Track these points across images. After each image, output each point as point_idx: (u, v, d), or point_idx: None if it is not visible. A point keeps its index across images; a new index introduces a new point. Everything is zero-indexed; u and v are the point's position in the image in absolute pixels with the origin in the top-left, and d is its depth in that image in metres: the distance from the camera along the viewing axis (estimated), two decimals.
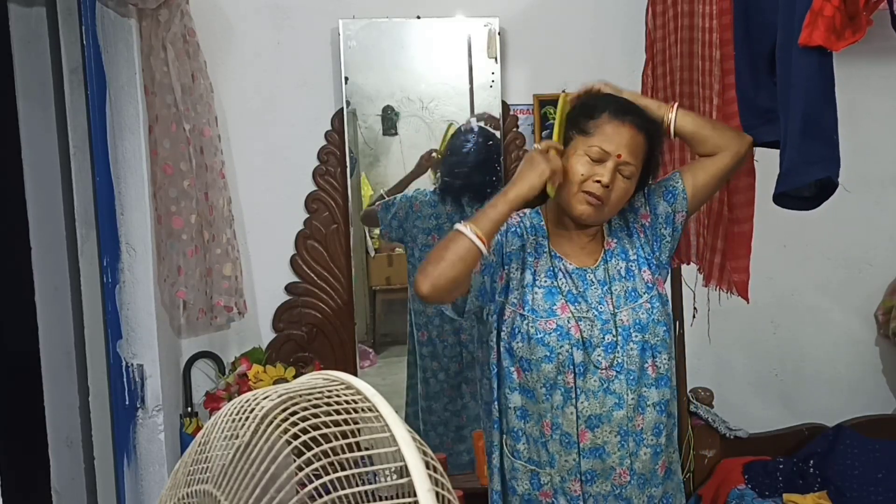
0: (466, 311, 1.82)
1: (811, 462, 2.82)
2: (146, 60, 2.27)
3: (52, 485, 2.37)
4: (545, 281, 1.79)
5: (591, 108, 1.77)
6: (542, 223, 1.85)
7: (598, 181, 1.71)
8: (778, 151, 1.81)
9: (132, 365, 2.31)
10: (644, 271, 1.83)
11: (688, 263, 2.37)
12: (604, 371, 1.75)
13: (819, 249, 3.06)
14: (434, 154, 2.86)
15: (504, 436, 1.84)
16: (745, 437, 2.88)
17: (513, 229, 1.83)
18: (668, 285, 1.95)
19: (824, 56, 1.49)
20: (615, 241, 1.86)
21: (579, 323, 1.76)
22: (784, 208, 1.69)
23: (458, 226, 1.67)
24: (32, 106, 2.29)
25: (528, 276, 1.80)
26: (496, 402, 1.83)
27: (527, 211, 1.87)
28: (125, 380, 2.30)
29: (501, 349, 1.80)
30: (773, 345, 3.09)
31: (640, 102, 1.83)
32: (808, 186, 1.62)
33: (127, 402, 2.30)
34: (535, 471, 1.80)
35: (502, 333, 1.79)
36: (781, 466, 2.81)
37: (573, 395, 1.75)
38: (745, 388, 3.05)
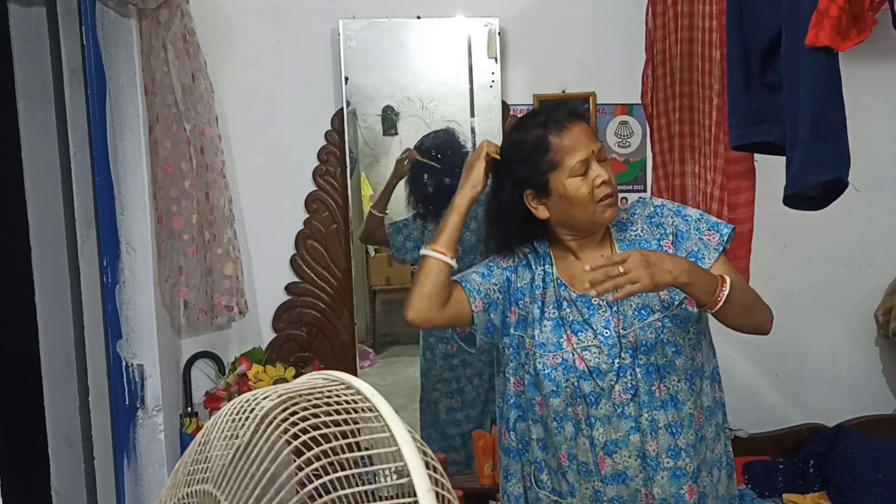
0: (478, 346, 1.86)
1: (811, 462, 2.82)
2: (146, 60, 2.27)
3: (52, 485, 2.37)
4: (553, 313, 1.77)
5: (533, 147, 1.73)
6: (548, 250, 1.83)
7: (602, 182, 1.71)
8: (773, 154, 1.81)
9: (132, 365, 2.31)
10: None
11: None
12: (617, 396, 1.72)
13: (819, 249, 3.06)
14: (409, 151, 2.82)
15: (527, 465, 1.84)
16: (745, 437, 2.89)
17: (523, 263, 1.83)
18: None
19: (831, 57, 1.49)
20: None
21: (583, 353, 1.73)
22: (794, 209, 1.69)
23: (422, 250, 1.80)
24: (32, 106, 2.29)
25: (537, 311, 1.78)
26: (512, 432, 1.83)
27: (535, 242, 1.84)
28: (125, 380, 2.30)
29: (527, 382, 1.80)
30: (773, 345, 3.08)
31: (694, 279, 1.63)
32: (816, 187, 1.62)
33: (127, 402, 2.30)
34: (559, 501, 1.81)
35: (527, 367, 1.79)
36: (781, 466, 2.82)
37: (584, 426, 1.74)
38: (745, 388, 3.05)
